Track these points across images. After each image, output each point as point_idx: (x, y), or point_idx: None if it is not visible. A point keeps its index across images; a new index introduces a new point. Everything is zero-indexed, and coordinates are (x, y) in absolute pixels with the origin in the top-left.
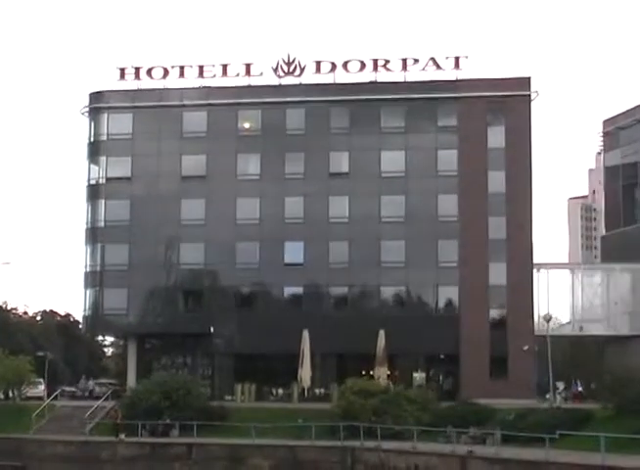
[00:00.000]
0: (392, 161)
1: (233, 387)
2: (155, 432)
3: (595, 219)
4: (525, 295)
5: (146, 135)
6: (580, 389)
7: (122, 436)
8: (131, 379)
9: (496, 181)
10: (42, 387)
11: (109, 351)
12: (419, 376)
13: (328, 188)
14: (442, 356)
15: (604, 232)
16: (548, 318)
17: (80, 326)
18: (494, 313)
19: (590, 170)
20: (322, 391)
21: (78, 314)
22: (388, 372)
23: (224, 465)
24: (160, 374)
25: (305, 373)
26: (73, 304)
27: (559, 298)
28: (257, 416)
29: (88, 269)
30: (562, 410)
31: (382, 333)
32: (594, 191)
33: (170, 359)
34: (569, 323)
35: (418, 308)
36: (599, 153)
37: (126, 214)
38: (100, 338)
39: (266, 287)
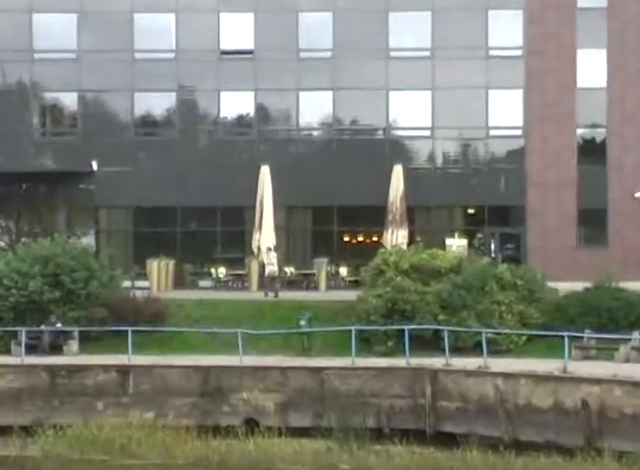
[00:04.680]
0: None
1: (132, 265)
2: (37, 347)
3: None
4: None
5: None
6: None
7: None
8: None
9: None
10: None
11: None
12: (456, 245)
13: None
14: (496, 212)
15: None
16: None
17: None
18: (585, 135)
19: None
20: (292, 270)
21: None
22: (407, 239)
23: (192, 405)
24: (41, 244)
25: (266, 241)
26: None
27: None
28: (211, 315)
29: None
30: None
31: (397, 170)
32: None
33: (16, 220)
34: None
35: (454, 129)
36: None
37: None
38: None
39: (189, 89)
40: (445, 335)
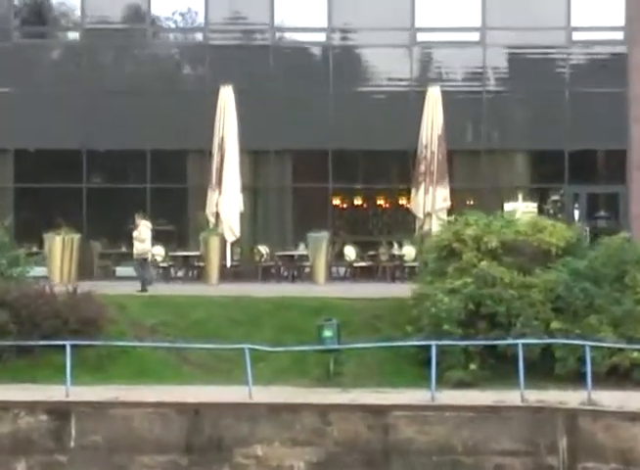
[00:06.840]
0: None
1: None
2: None
3: None
4: None
5: None
6: None
7: None
8: None
9: None
10: None
11: None
12: (521, 211)
13: None
14: (583, 160)
15: None
16: None
17: None
18: None
19: None
20: (267, 250)
21: None
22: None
23: (173, 466)
24: None
25: (229, 207)
26: None
27: None
28: (174, 321)
29: None
30: None
31: (433, 95)
32: None
33: None
34: None
35: (515, 31)
36: None
37: None
38: None
39: None
40: (587, 353)
